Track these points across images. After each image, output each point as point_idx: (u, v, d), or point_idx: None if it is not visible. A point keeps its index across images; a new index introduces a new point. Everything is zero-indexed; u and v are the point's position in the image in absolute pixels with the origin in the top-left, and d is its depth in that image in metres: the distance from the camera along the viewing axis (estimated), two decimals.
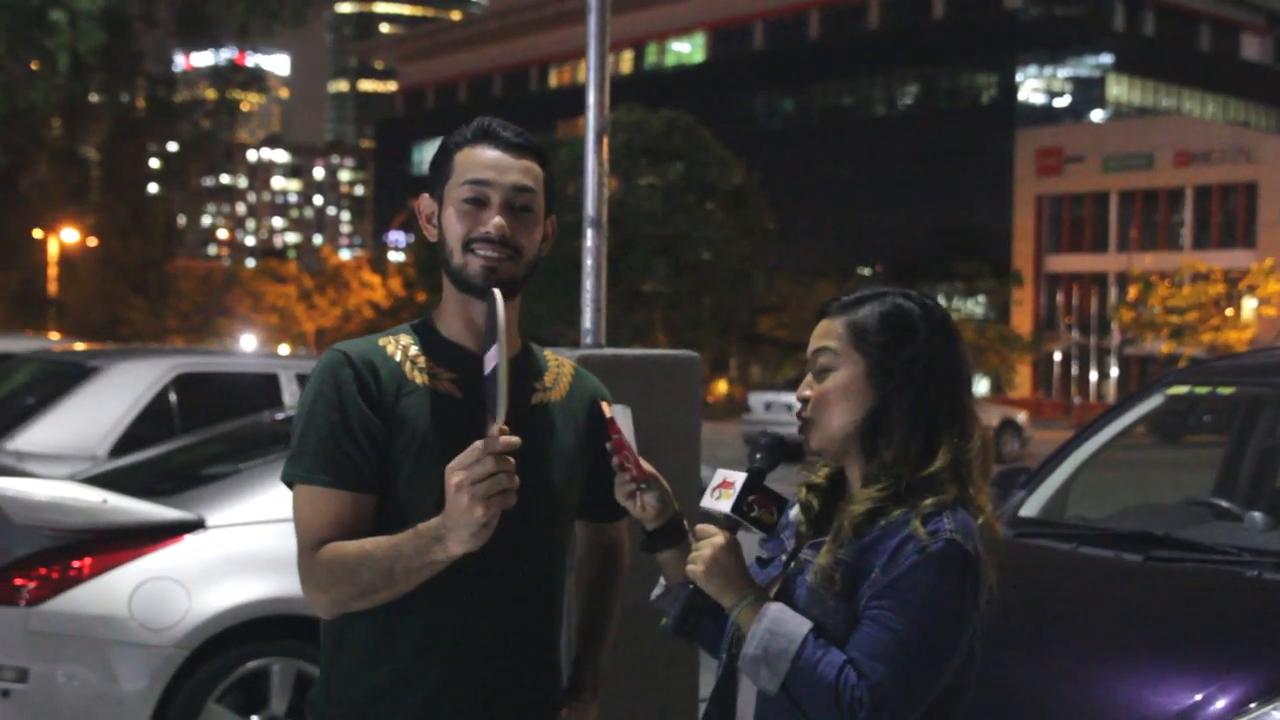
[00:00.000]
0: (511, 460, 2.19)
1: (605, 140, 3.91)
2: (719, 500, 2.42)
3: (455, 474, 2.19)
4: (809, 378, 2.47)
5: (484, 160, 2.55)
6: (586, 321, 3.98)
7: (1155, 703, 3.58)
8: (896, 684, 2.23)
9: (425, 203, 2.63)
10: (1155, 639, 4.00)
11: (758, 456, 2.48)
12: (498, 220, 2.51)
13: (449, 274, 2.57)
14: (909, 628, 2.24)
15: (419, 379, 2.53)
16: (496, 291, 2.29)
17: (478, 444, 2.19)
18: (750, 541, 2.51)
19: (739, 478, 2.43)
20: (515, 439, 2.20)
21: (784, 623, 2.30)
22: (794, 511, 2.53)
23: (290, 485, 2.50)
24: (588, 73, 3.90)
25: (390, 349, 2.56)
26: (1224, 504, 5.23)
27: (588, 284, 3.94)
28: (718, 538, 2.38)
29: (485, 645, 2.52)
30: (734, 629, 2.38)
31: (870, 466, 2.41)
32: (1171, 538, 4.58)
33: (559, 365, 2.75)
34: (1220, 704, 3.52)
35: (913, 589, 2.26)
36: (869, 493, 2.37)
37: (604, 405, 2.53)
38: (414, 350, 2.57)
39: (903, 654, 2.24)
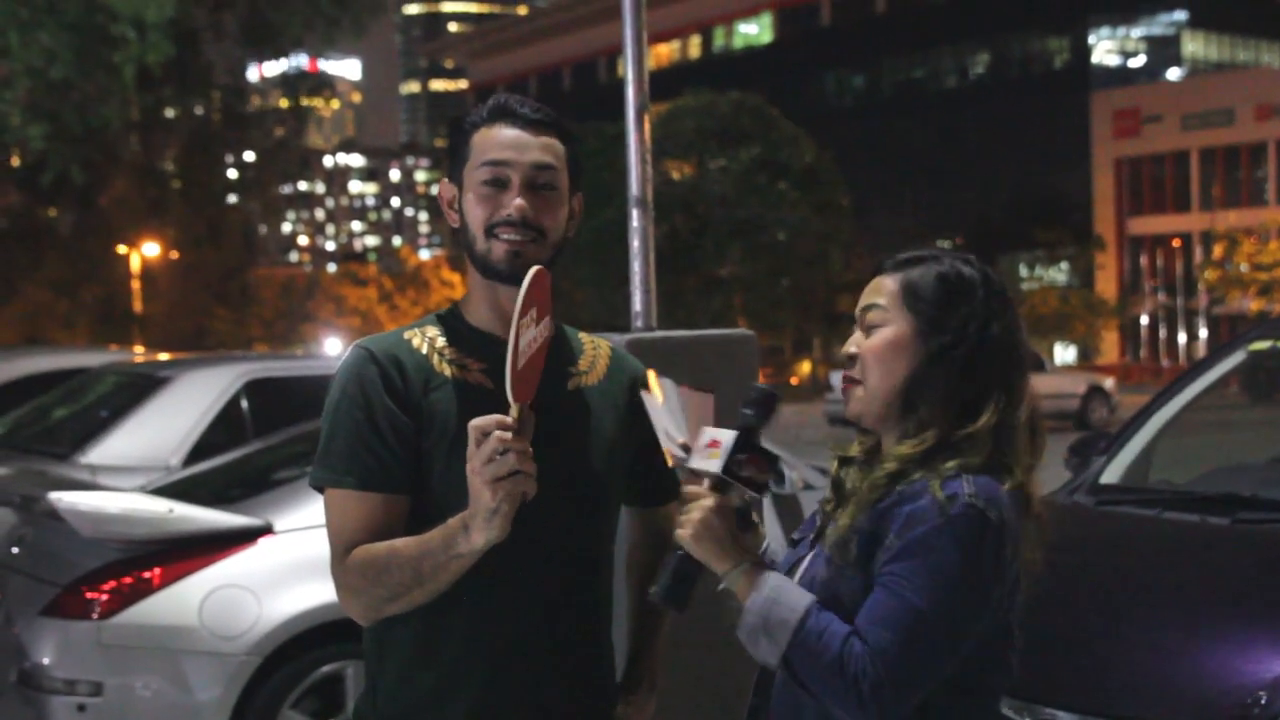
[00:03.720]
0: (520, 442, 2.11)
1: (647, 118, 3.82)
2: (708, 460, 2.28)
3: (469, 459, 2.12)
4: (856, 334, 2.37)
5: (502, 140, 2.45)
6: (636, 304, 3.88)
7: (1246, 670, 3.45)
8: (903, 653, 2.10)
9: (446, 187, 2.54)
10: (1245, 604, 3.86)
11: (746, 411, 2.33)
12: (518, 202, 2.42)
13: (473, 261, 2.49)
14: (918, 595, 2.12)
15: (447, 371, 2.44)
16: (536, 269, 2.20)
17: (474, 422, 2.12)
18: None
19: (728, 436, 2.29)
20: (507, 417, 2.12)
21: (786, 592, 2.19)
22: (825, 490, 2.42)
23: (319, 489, 2.43)
24: (624, 48, 3.81)
25: (416, 341, 2.48)
26: None
27: (636, 265, 3.84)
28: (706, 500, 2.25)
29: (532, 643, 2.44)
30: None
31: (908, 429, 2.29)
32: (1259, 498, 4.43)
33: (595, 348, 2.64)
34: None
35: (925, 555, 2.13)
36: (900, 450, 2.27)
37: (652, 378, 2.42)
38: (441, 341, 2.48)
39: (911, 622, 2.11)
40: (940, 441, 2.25)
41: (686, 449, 2.35)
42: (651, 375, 2.45)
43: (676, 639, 2.89)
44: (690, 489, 2.29)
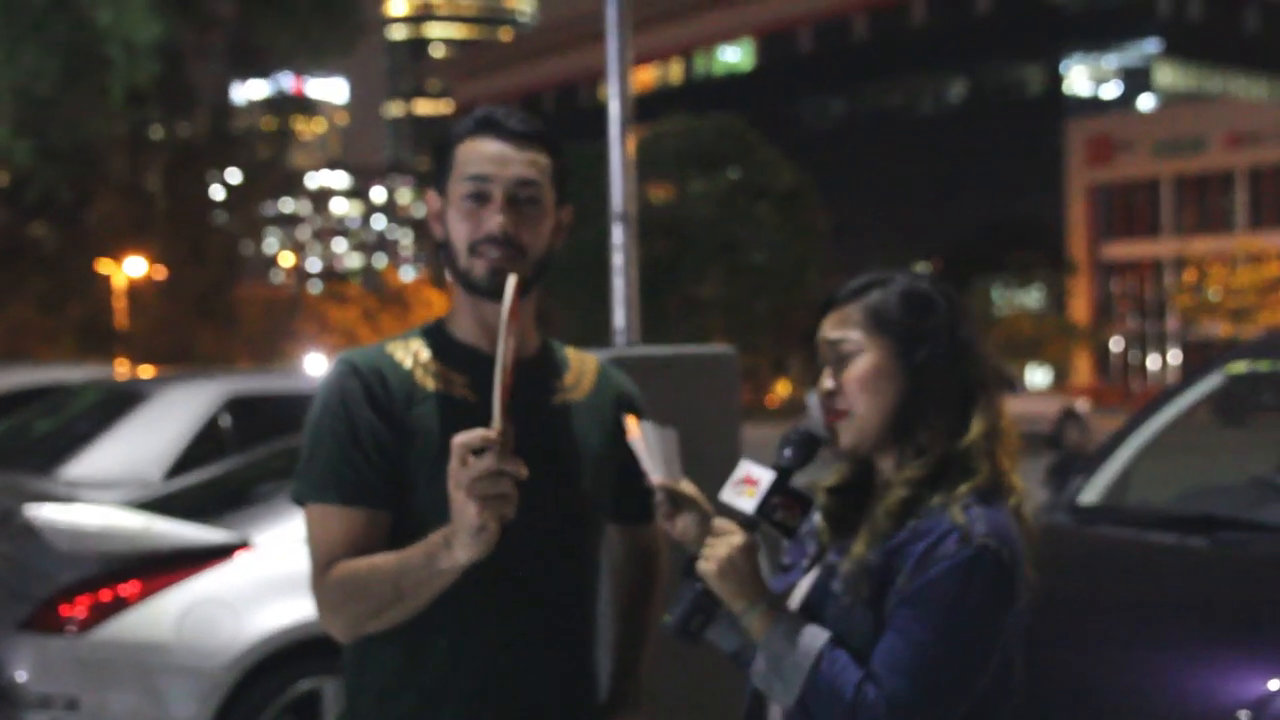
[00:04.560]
0: (514, 463, 2.06)
1: (632, 133, 3.80)
2: (740, 496, 2.27)
3: (452, 475, 2.07)
4: (827, 370, 2.32)
5: (485, 153, 2.41)
6: (619, 320, 3.85)
7: (1227, 691, 3.43)
8: (916, 698, 2.09)
9: (432, 199, 2.50)
10: (1225, 624, 3.85)
11: (786, 453, 2.31)
12: (499, 219, 2.38)
13: (456, 276, 2.45)
14: (933, 638, 2.10)
15: (431, 385, 2.41)
16: (513, 277, 2.15)
17: (458, 438, 2.06)
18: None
19: (765, 475, 2.27)
20: (489, 432, 2.05)
21: (800, 634, 2.17)
22: (815, 518, 2.40)
23: (301, 504, 2.40)
24: (608, 61, 3.79)
25: (399, 355, 2.45)
26: None
27: (618, 282, 3.82)
28: (735, 537, 2.23)
29: (515, 662, 2.41)
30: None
31: (905, 452, 2.28)
32: (1237, 519, 4.42)
33: (582, 363, 2.61)
34: None
35: (940, 597, 2.12)
36: (905, 474, 2.24)
37: (631, 421, 2.42)
38: (425, 355, 2.45)
39: (925, 666, 2.10)
40: (943, 458, 2.24)
41: (662, 489, 2.34)
42: (631, 420, 2.44)
43: (660, 657, 2.86)
44: (719, 522, 2.27)
